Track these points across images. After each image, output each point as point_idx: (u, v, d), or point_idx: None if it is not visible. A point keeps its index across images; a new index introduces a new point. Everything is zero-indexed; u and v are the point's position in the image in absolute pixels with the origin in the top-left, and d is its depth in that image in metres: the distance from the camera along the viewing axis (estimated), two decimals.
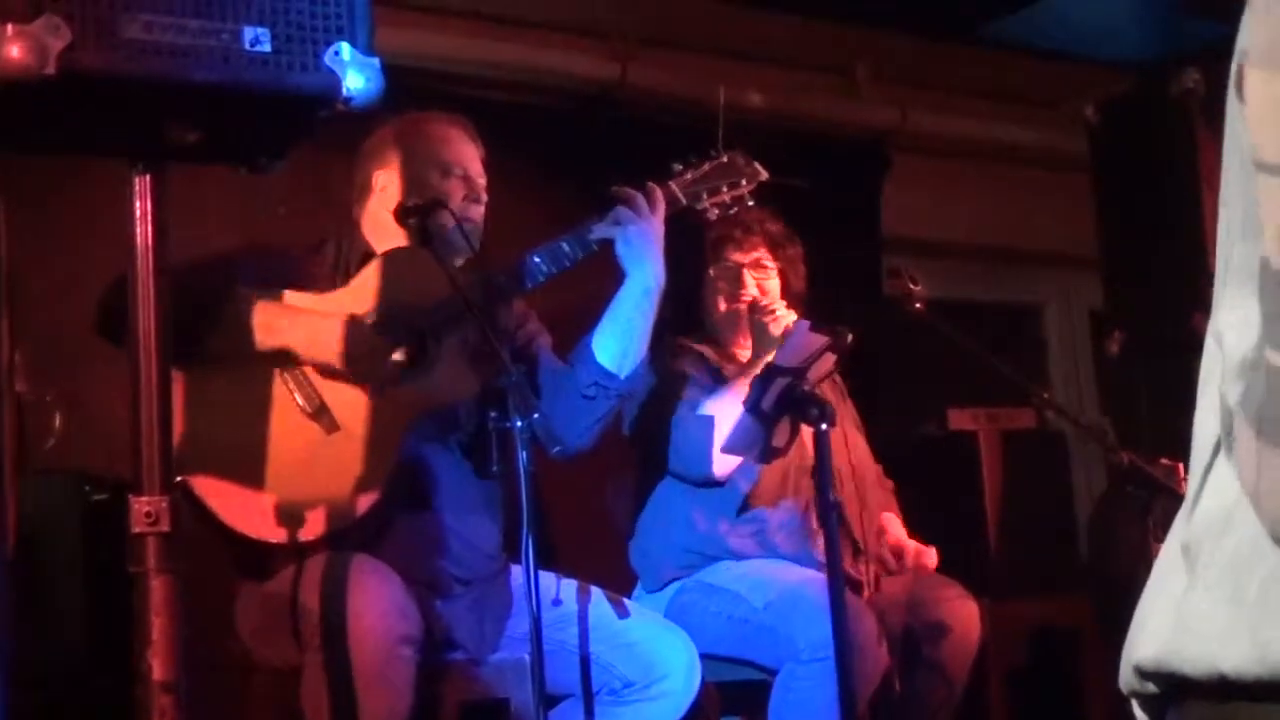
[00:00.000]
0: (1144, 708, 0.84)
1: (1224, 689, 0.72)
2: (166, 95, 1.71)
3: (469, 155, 3.17)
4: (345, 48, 1.76)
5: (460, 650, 2.99)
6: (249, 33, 1.70)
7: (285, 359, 2.88)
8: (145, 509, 1.75)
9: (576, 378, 3.12)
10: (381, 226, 3.14)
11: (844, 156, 5.51)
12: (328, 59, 1.75)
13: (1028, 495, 4.57)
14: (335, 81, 1.75)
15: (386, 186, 3.14)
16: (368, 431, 2.88)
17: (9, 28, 1.58)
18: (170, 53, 1.66)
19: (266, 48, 1.71)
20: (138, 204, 1.80)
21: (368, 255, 3.10)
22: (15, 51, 1.58)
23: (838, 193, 5.36)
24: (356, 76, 1.76)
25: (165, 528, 1.75)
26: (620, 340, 3.12)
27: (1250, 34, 0.57)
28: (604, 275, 3.16)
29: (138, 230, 1.80)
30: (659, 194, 3.13)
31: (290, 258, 3.09)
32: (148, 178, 1.80)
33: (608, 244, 3.10)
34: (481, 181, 3.18)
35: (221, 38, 1.69)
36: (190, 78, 1.67)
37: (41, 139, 1.90)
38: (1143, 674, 0.81)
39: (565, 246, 3.06)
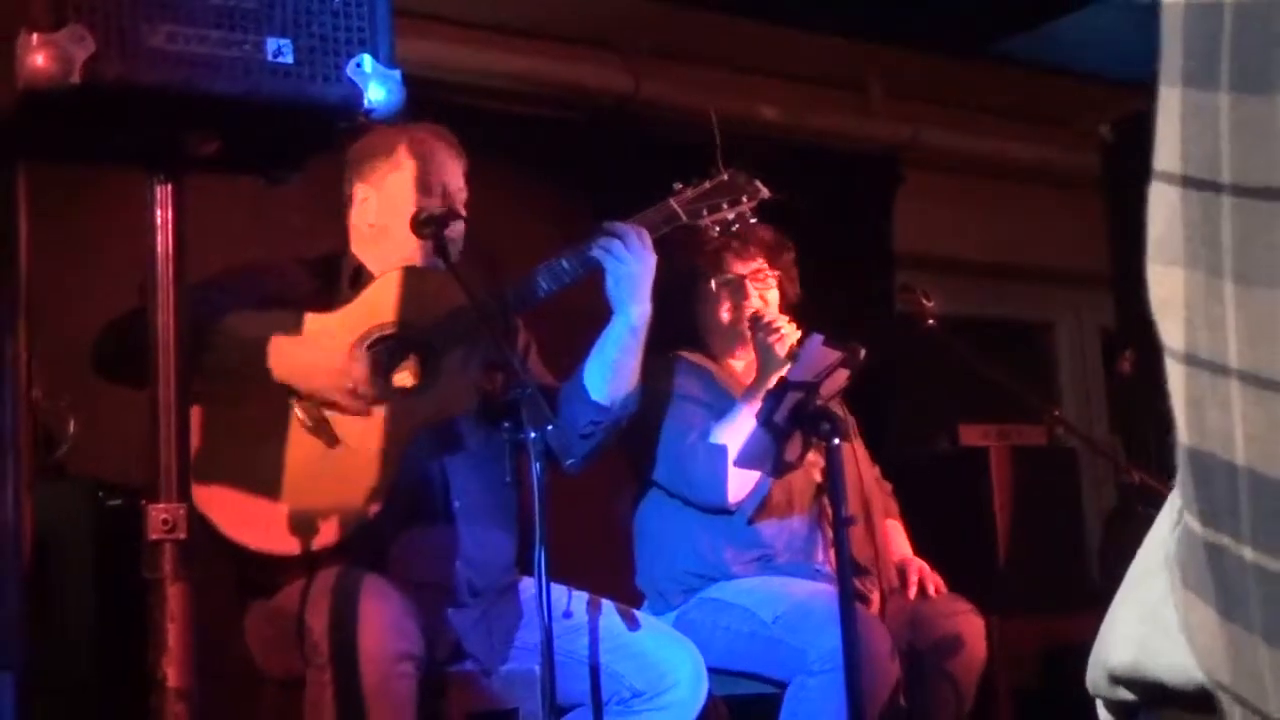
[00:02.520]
0: (1112, 711, 0.83)
1: (1200, 699, 0.72)
2: (188, 105, 1.72)
3: (450, 171, 3.17)
4: (367, 59, 1.76)
5: (470, 660, 3.00)
6: (271, 44, 1.71)
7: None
8: (162, 516, 1.75)
9: (573, 418, 3.13)
10: (362, 238, 3.17)
11: (856, 172, 5.51)
12: (349, 70, 1.75)
13: (1038, 511, 4.56)
14: (357, 93, 1.76)
15: (367, 199, 3.16)
16: (369, 445, 2.89)
17: (34, 37, 1.59)
18: (193, 63, 1.67)
19: (288, 59, 1.72)
20: (158, 213, 1.81)
21: (358, 270, 3.12)
22: (40, 60, 1.59)
23: (849, 208, 5.37)
24: (378, 88, 1.76)
25: (182, 535, 1.75)
26: (612, 377, 3.14)
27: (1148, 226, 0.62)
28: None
29: (158, 239, 1.81)
30: (647, 234, 3.12)
31: (291, 273, 3.10)
32: (168, 187, 1.81)
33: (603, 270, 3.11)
34: (462, 197, 3.18)
35: (244, 48, 1.70)
36: (212, 88, 1.68)
37: (64, 148, 1.91)
38: (1116, 679, 0.81)
39: (565, 264, 3.07)
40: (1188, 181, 0.57)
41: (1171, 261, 0.58)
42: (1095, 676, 0.82)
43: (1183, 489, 0.61)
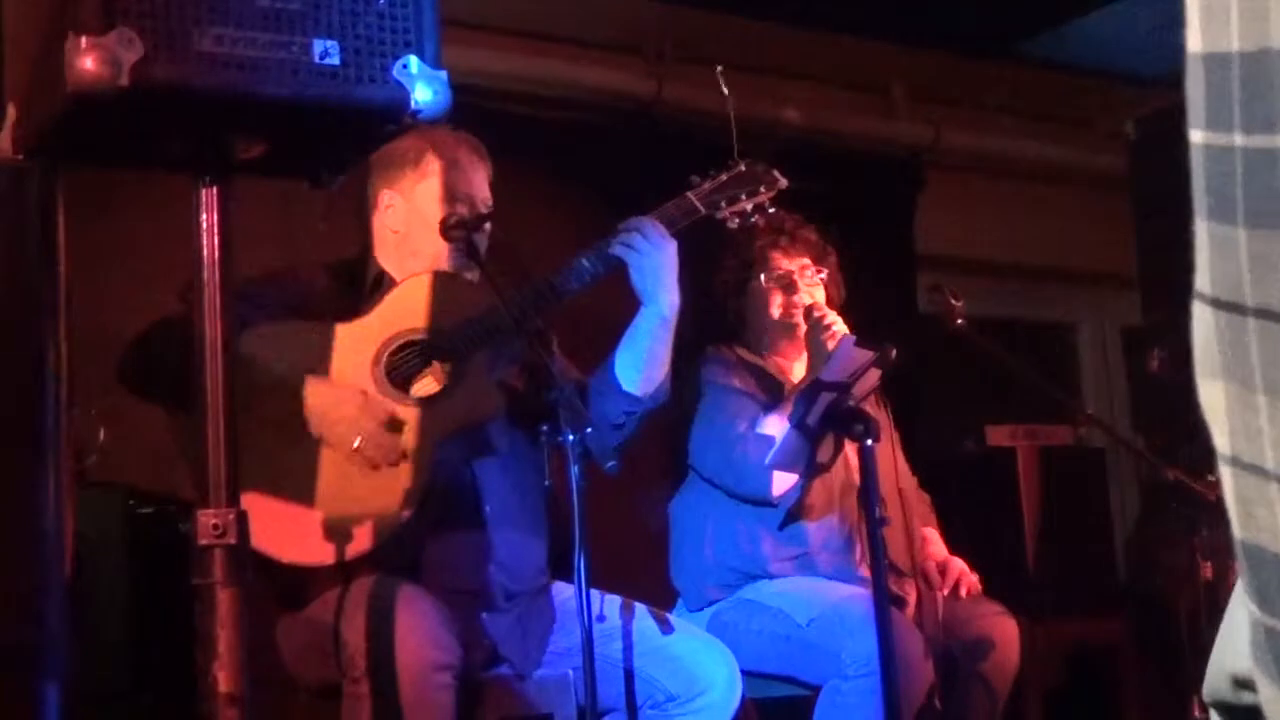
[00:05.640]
0: (1231, 718, 0.82)
1: None
2: (236, 108, 1.71)
3: (478, 181, 3.16)
4: (414, 61, 1.76)
5: (505, 665, 2.98)
6: (318, 45, 1.70)
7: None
8: (212, 521, 1.75)
9: (605, 410, 3.12)
10: (387, 243, 3.15)
11: (879, 174, 5.50)
12: (396, 72, 1.75)
13: (1066, 512, 4.55)
14: (403, 95, 1.75)
15: (391, 206, 3.14)
16: None
17: (83, 40, 1.59)
18: (240, 65, 1.67)
19: (335, 61, 1.71)
20: (204, 216, 1.80)
21: (380, 276, 3.11)
22: (89, 64, 1.58)
23: (872, 210, 5.35)
24: (425, 89, 1.76)
25: (232, 540, 1.74)
26: (644, 367, 3.12)
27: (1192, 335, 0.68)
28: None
29: (204, 242, 1.80)
30: (661, 224, 3.11)
31: (313, 279, 3.09)
32: (214, 190, 1.80)
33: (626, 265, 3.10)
34: (486, 205, 3.17)
35: (291, 50, 1.69)
36: (261, 90, 1.67)
37: (111, 152, 1.90)
38: (1242, 683, 0.80)
39: (586, 263, 3.06)
40: (1218, 304, 0.63)
41: (1212, 375, 0.64)
42: (1216, 683, 0.81)
43: (1241, 576, 0.66)
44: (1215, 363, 0.64)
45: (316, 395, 2.87)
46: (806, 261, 3.63)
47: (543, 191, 4.53)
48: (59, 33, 1.61)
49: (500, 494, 3.06)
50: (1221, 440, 0.64)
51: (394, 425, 2.88)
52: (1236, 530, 0.65)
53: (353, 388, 2.89)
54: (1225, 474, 0.64)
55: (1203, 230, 0.64)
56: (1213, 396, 0.64)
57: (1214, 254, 0.63)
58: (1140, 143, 4.76)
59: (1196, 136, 0.64)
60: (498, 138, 3.32)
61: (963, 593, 3.55)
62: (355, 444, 2.83)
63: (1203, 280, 0.64)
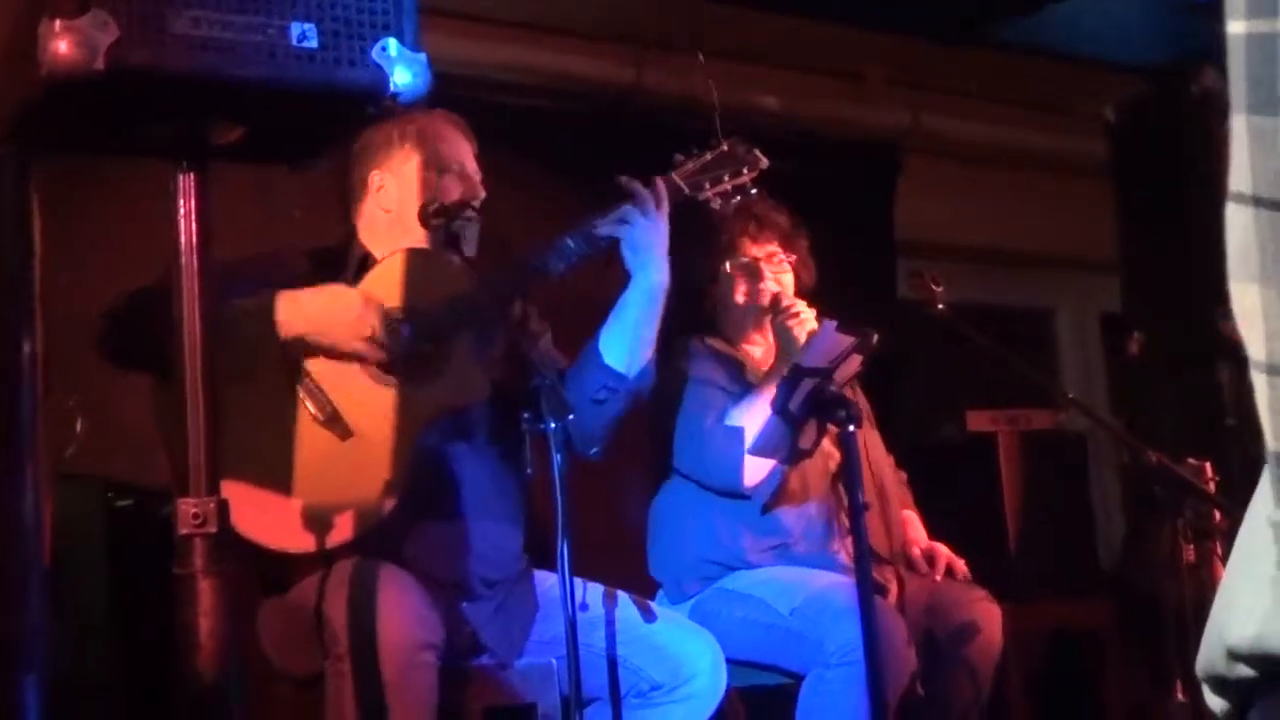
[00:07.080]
0: (1224, 694, 0.82)
1: None
2: (214, 91, 1.69)
3: (464, 152, 3.16)
4: (392, 43, 1.74)
5: (487, 654, 2.97)
6: (296, 28, 1.69)
7: (296, 356, 2.85)
8: (192, 510, 1.73)
9: (585, 383, 3.09)
10: (377, 226, 3.13)
11: (856, 160, 5.50)
12: (375, 55, 1.73)
13: (1047, 496, 4.55)
14: (382, 77, 1.74)
15: (383, 186, 3.12)
16: (382, 437, 2.86)
17: (57, 23, 1.57)
18: (218, 48, 1.65)
19: (313, 43, 1.70)
20: (181, 203, 1.79)
21: (365, 258, 3.08)
22: (64, 47, 1.56)
23: (850, 196, 5.35)
24: (404, 72, 1.75)
25: (212, 529, 1.73)
26: (628, 342, 3.11)
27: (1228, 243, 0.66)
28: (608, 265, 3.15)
29: (181, 229, 1.79)
30: (664, 190, 3.10)
31: (293, 262, 3.07)
32: (191, 176, 1.79)
33: (614, 243, 3.08)
34: (476, 178, 3.16)
35: (268, 33, 1.68)
36: (238, 73, 1.66)
37: (87, 139, 1.88)
38: (1236, 656, 0.79)
39: (570, 243, 3.04)
40: (1258, 201, 0.61)
41: (1249, 279, 0.62)
42: (1211, 655, 0.80)
43: (1273, 489, 0.64)
44: (1253, 265, 0.61)
45: (311, 301, 2.84)
46: (774, 248, 3.62)
47: (522, 180, 4.50)
48: (32, 17, 1.59)
49: (474, 482, 3.04)
50: (1256, 347, 0.62)
51: (392, 327, 2.86)
52: (1270, 441, 0.63)
53: (349, 290, 2.86)
54: (1259, 382, 0.62)
55: (1241, 125, 0.62)
56: (1248, 301, 0.62)
57: (1254, 149, 0.61)
58: (1120, 127, 4.77)
59: (1236, 27, 0.62)
60: (476, 126, 3.30)
61: (957, 576, 3.56)
62: (369, 334, 2.81)
63: (1240, 179, 0.62)
